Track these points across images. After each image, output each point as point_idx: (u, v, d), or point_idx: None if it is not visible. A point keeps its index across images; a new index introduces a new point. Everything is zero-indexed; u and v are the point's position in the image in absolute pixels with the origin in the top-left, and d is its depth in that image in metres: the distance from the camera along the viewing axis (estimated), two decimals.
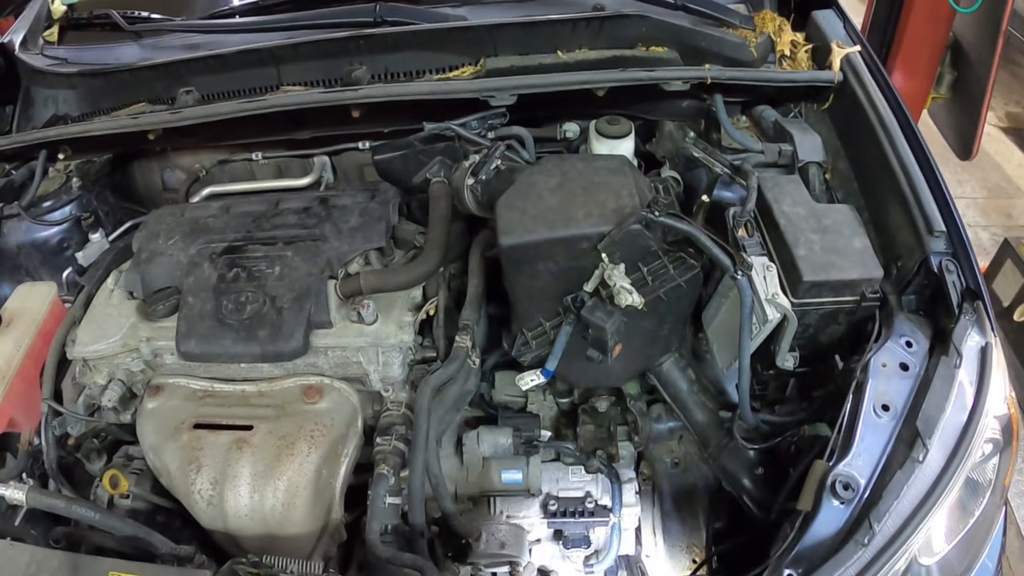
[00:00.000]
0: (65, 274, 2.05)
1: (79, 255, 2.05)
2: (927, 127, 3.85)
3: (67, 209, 2.18)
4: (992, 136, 5.06)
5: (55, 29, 2.63)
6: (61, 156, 2.21)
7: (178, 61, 2.23)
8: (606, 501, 1.85)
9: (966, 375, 1.43)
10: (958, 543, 1.44)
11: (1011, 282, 3.43)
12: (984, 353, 1.46)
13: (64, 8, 2.66)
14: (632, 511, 1.87)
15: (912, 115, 1.85)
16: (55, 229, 2.17)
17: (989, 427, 1.42)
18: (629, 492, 1.87)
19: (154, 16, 2.49)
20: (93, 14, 2.59)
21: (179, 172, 2.34)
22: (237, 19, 2.42)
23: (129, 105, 2.30)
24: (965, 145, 3.71)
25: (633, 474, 1.90)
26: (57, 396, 1.80)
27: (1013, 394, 1.53)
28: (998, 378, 1.45)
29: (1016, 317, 3.32)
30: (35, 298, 1.89)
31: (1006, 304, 3.45)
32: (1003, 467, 1.51)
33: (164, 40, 2.46)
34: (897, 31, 3.54)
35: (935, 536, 1.40)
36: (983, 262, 3.72)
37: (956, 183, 4.62)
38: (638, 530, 1.91)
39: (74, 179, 2.20)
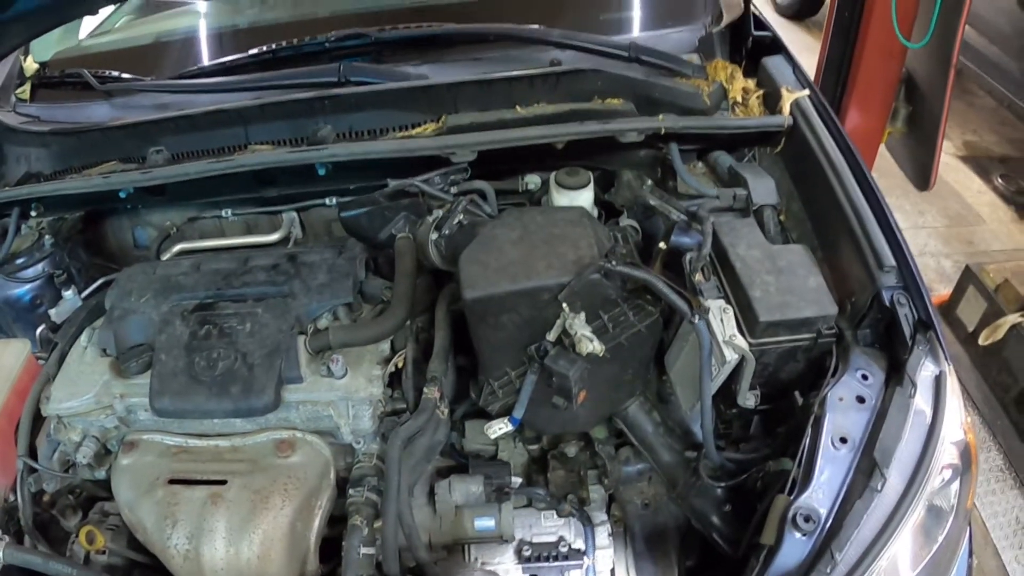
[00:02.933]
0: (38, 331, 2.05)
1: (52, 312, 2.05)
2: (886, 161, 3.92)
3: (40, 266, 2.20)
4: (951, 166, 5.16)
5: (27, 87, 2.65)
6: (34, 213, 2.24)
7: (148, 121, 2.26)
8: (579, 544, 1.87)
9: (922, 404, 1.47)
10: (923, 568, 1.46)
11: (974, 307, 3.49)
12: (938, 382, 1.50)
13: (36, 66, 2.69)
14: (606, 553, 1.88)
15: (870, 150, 1.90)
16: (28, 286, 2.19)
17: (947, 453, 1.45)
18: (602, 534, 1.89)
19: (125, 76, 2.52)
20: (65, 73, 2.62)
21: (150, 229, 2.37)
22: (206, 80, 2.46)
23: (101, 164, 2.33)
24: (923, 176, 3.78)
25: (605, 516, 1.92)
26: (32, 453, 1.80)
27: (969, 419, 1.57)
28: (953, 405, 1.48)
29: (981, 341, 3.37)
30: (9, 355, 1.90)
31: (971, 329, 3.51)
32: (964, 492, 1.54)
33: (135, 99, 2.49)
34: (851, 70, 3.61)
35: (901, 562, 1.42)
36: (946, 289, 3.79)
37: (917, 213, 4.70)
38: (612, 572, 1.92)
39: (46, 237, 2.22)
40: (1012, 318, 3.25)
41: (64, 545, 1.78)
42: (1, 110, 2.54)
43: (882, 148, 3.92)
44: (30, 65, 2.69)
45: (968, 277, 3.55)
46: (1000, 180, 5.06)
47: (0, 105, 2.57)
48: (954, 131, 5.46)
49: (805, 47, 2.16)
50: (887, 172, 3.67)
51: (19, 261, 2.18)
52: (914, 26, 3.41)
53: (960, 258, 4.35)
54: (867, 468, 1.40)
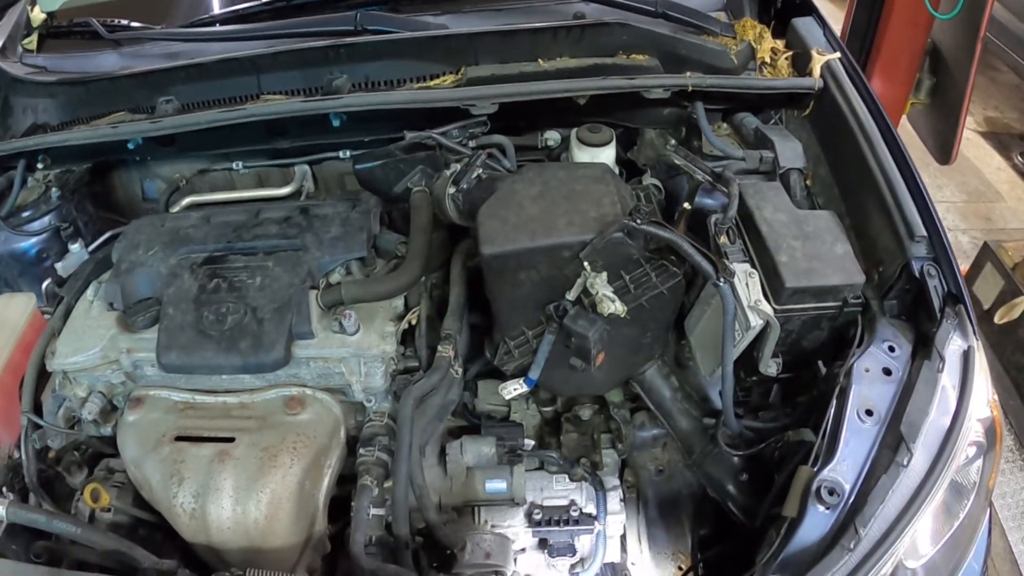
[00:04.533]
0: (44, 285, 2.01)
1: (58, 266, 2.02)
2: (906, 132, 3.87)
3: (46, 219, 2.16)
4: (971, 141, 5.11)
5: (34, 37, 2.60)
6: (40, 165, 2.19)
7: (158, 70, 2.20)
8: (591, 509, 1.85)
9: (949, 379, 1.44)
10: (943, 545, 1.45)
11: (991, 285, 3.46)
12: (966, 357, 1.47)
13: (43, 16, 2.64)
14: (617, 519, 1.87)
15: (892, 120, 1.86)
16: (34, 239, 2.15)
17: (972, 430, 1.43)
18: (614, 500, 1.87)
19: (134, 24, 2.46)
20: (73, 22, 2.57)
21: (159, 182, 2.33)
22: (218, 28, 2.41)
23: (109, 114, 2.28)
24: (944, 150, 3.74)
25: (617, 482, 1.90)
26: (37, 409, 1.77)
27: (995, 397, 1.54)
28: (980, 381, 1.45)
29: (997, 320, 3.34)
30: (14, 309, 1.86)
31: (986, 307, 3.48)
32: (987, 469, 1.53)
33: (144, 49, 2.44)
34: (876, 37, 3.56)
35: (921, 539, 1.42)
36: (963, 266, 3.74)
37: (936, 187, 4.66)
38: (623, 537, 1.91)
39: (53, 189, 2.18)
40: None
41: (69, 502, 1.75)
42: (8, 61, 2.50)
43: (903, 120, 3.87)
44: (37, 15, 2.64)
45: (986, 254, 3.52)
46: (1020, 158, 5.02)
47: (7, 56, 2.52)
48: (975, 106, 5.40)
49: (827, 14, 2.13)
50: (907, 144, 3.63)
51: (25, 214, 2.14)
52: None
53: (977, 234, 4.32)
54: (893, 442, 1.38)
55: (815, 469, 1.37)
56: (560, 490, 1.87)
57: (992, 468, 1.55)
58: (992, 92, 5.62)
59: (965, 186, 4.77)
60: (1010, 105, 5.54)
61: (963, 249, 4.24)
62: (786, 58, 2.13)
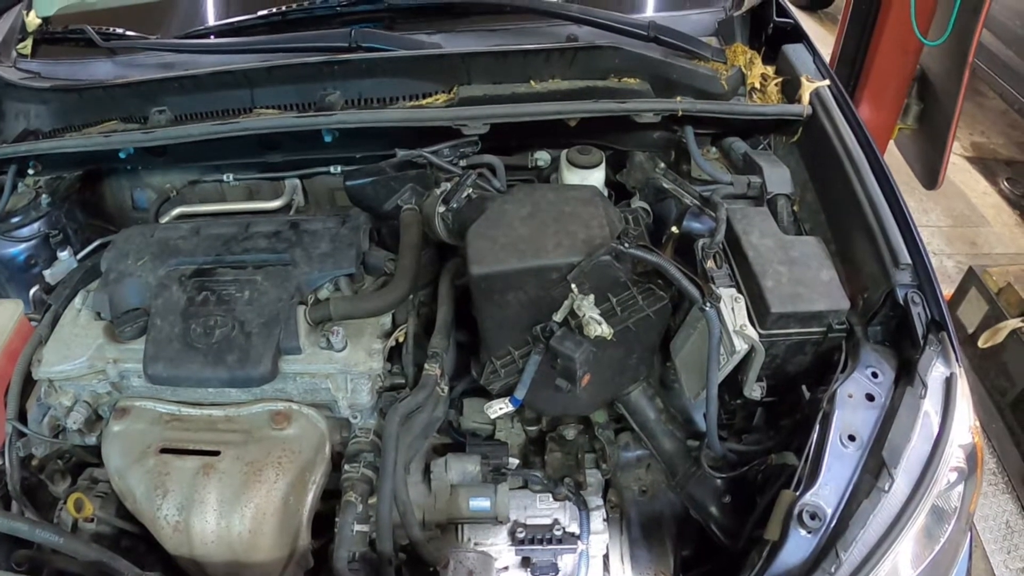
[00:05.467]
0: (32, 292, 2.01)
1: (46, 273, 2.01)
2: (894, 157, 3.90)
3: (35, 226, 2.16)
4: (957, 166, 5.15)
5: (29, 42, 2.60)
6: (31, 172, 2.20)
7: (151, 80, 2.20)
8: (574, 528, 1.85)
9: (931, 405, 1.45)
10: (924, 569, 1.45)
11: (975, 309, 3.48)
12: (949, 384, 1.48)
13: (39, 21, 2.63)
14: (600, 538, 1.87)
15: (879, 145, 1.88)
16: (23, 246, 2.15)
17: (954, 456, 1.44)
18: (597, 519, 1.87)
19: (129, 33, 2.47)
20: (68, 29, 2.56)
21: (149, 192, 2.33)
22: (212, 40, 2.41)
23: (101, 123, 2.28)
24: (931, 175, 3.77)
25: (601, 501, 1.90)
26: (22, 416, 1.76)
27: (977, 423, 1.56)
28: (963, 408, 1.47)
29: (981, 344, 3.36)
30: (1, 316, 1.85)
31: (971, 331, 3.50)
32: (968, 494, 1.53)
33: (138, 58, 2.45)
34: (865, 63, 3.58)
35: (902, 563, 1.41)
36: (948, 290, 3.77)
37: (922, 212, 4.70)
38: (606, 557, 1.90)
39: (43, 195, 2.18)
40: (1013, 322, 3.24)
41: (51, 511, 1.74)
42: (1, 65, 2.49)
43: (891, 145, 3.90)
44: (32, 20, 2.63)
45: (971, 279, 3.54)
46: (1006, 183, 5.05)
47: (0, 60, 2.52)
48: (962, 132, 5.45)
49: (818, 38, 2.15)
50: (894, 169, 3.65)
51: (14, 220, 2.14)
52: (931, 23, 3.37)
53: (963, 259, 4.35)
54: (875, 468, 1.39)
55: (797, 493, 1.38)
56: (543, 509, 1.88)
57: (973, 493, 1.56)
58: (979, 118, 5.67)
59: (951, 211, 4.80)
60: (997, 131, 5.60)
61: (948, 273, 4.26)
62: (776, 84, 2.14)
